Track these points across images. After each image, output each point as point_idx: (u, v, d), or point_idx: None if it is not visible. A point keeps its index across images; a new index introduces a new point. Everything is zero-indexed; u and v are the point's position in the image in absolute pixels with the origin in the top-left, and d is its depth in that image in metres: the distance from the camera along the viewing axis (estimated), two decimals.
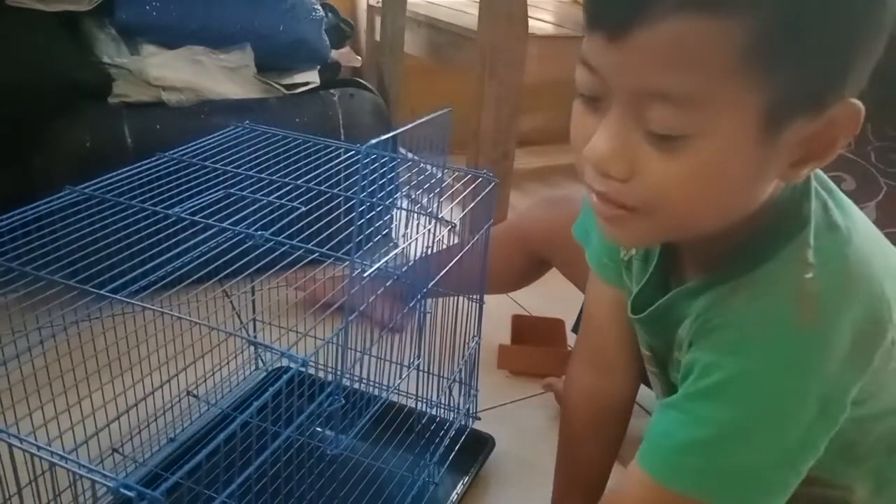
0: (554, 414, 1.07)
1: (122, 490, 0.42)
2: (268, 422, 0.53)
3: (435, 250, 0.79)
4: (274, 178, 0.85)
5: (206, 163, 0.86)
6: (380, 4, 1.83)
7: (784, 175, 0.49)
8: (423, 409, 0.88)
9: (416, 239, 0.75)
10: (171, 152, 0.89)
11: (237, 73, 1.40)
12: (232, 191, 0.81)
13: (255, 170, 0.87)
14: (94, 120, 1.26)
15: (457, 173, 0.87)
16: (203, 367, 0.99)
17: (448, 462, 0.91)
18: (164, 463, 0.89)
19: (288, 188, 0.82)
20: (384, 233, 0.84)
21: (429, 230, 0.76)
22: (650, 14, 0.43)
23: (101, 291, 0.62)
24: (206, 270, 0.76)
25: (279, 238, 0.72)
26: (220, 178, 0.84)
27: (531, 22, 1.45)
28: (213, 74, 1.38)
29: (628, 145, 0.47)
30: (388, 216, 0.90)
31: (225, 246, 0.75)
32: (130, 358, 0.89)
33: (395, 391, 0.84)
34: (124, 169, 0.83)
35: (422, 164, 0.82)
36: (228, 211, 0.77)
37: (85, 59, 1.31)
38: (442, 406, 0.93)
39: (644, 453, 0.55)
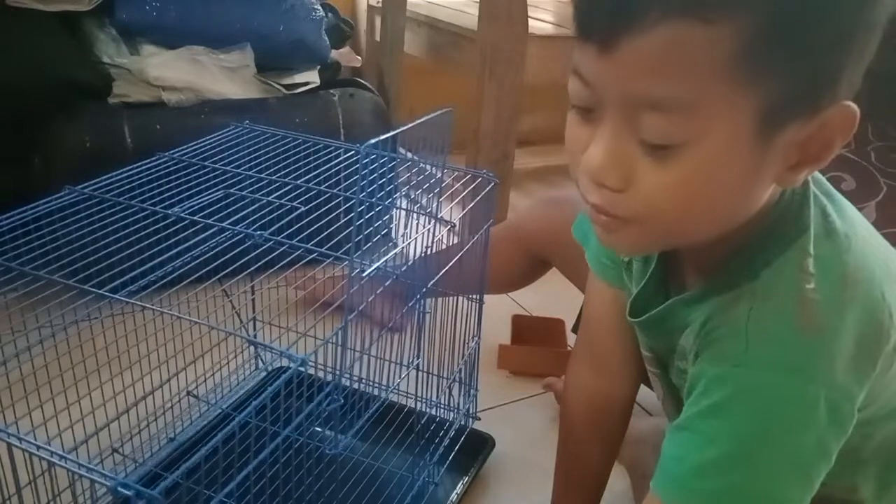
0: (554, 414, 1.07)
1: (120, 489, 0.42)
2: (267, 422, 0.53)
3: (435, 250, 0.79)
4: (273, 178, 0.85)
5: (206, 163, 0.86)
6: (380, 4, 1.83)
7: (781, 179, 0.49)
8: (423, 409, 0.88)
9: (416, 239, 0.75)
10: (171, 152, 0.89)
11: (237, 73, 1.40)
12: (231, 191, 0.81)
13: (254, 170, 0.87)
14: (94, 120, 1.26)
15: (457, 173, 0.87)
16: (203, 366, 0.99)
17: (448, 462, 0.91)
18: (164, 463, 0.89)
19: (287, 188, 0.82)
20: (384, 233, 0.84)
21: (428, 230, 0.76)
22: (639, 23, 0.43)
23: (101, 291, 0.62)
24: (205, 270, 0.76)
25: (278, 238, 0.72)
26: (220, 178, 0.84)
27: (531, 22, 1.45)
28: (213, 74, 1.38)
29: (623, 156, 0.47)
30: (388, 216, 0.90)
31: (224, 245, 0.75)
32: (130, 357, 0.89)
33: (395, 391, 0.84)
34: (124, 169, 0.83)
35: (421, 165, 0.82)
36: (228, 211, 0.77)
37: (85, 59, 1.31)
38: (442, 406, 0.93)
39: (658, 480, 0.54)
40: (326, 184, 0.85)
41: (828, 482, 0.54)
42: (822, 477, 0.52)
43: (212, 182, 0.83)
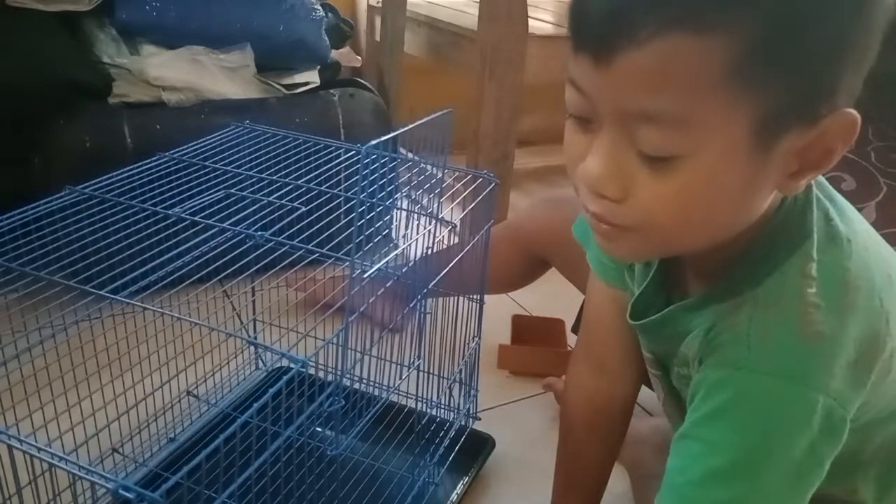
0: (554, 414, 1.07)
1: (121, 491, 0.42)
2: (268, 422, 0.53)
3: (435, 251, 0.79)
4: (274, 178, 0.85)
5: (207, 163, 0.86)
6: (380, 4, 1.83)
7: (782, 186, 0.49)
8: (424, 410, 0.88)
9: (417, 239, 0.75)
10: (171, 152, 0.89)
11: (237, 73, 1.40)
12: (232, 191, 0.81)
13: (255, 170, 0.87)
14: (93, 120, 1.26)
15: (457, 173, 0.87)
16: (203, 367, 0.99)
17: (448, 462, 0.91)
18: (165, 463, 0.89)
19: (288, 188, 0.82)
20: (384, 233, 0.84)
21: (429, 230, 0.76)
22: (634, 37, 0.43)
23: (102, 292, 0.62)
24: (206, 271, 0.76)
25: (279, 238, 0.72)
26: (221, 179, 0.84)
27: (531, 22, 1.45)
28: (213, 74, 1.38)
29: (622, 166, 0.47)
30: (389, 216, 0.90)
31: (225, 246, 0.75)
32: (130, 358, 0.89)
33: (396, 392, 0.84)
34: (124, 169, 0.83)
35: (422, 165, 0.82)
36: (229, 211, 0.77)
37: (85, 59, 1.31)
38: (442, 406, 0.93)
39: (664, 492, 0.54)
40: (327, 184, 0.85)
41: (828, 485, 0.54)
42: (815, 487, 0.52)
43: (212, 182, 0.83)
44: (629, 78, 0.44)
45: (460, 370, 0.93)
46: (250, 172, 0.85)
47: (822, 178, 0.56)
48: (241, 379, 1.06)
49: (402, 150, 0.87)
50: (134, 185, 0.81)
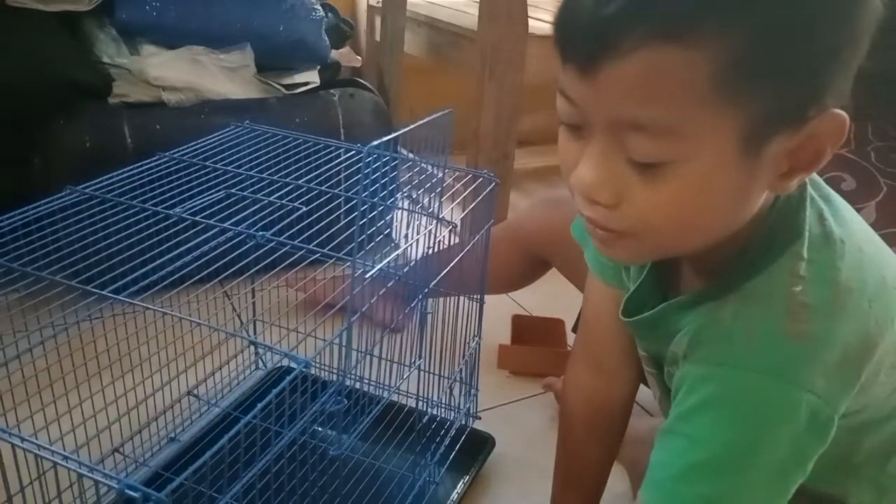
0: (554, 414, 1.07)
1: (126, 490, 0.42)
2: (271, 422, 0.53)
3: (436, 250, 0.79)
4: (275, 178, 0.85)
5: (207, 163, 0.86)
6: (380, 4, 1.83)
7: (774, 187, 0.49)
8: (424, 409, 0.88)
9: (418, 240, 0.75)
10: (172, 152, 0.89)
11: (237, 73, 1.40)
12: (233, 191, 0.81)
13: (255, 170, 0.87)
14: (93, 120, 1.26)
15: (457, 173, 0.87)
16: (204, 367, 0.99)
17: (448, 462, 0.91)
18: (166, 463, 0.89)
19: (289, 188, 0.82)
20: (385, 233, 0.84)
21: (430, 230, 0.76)
22: (619, 47, 0.43)
23: (104, 292, 0.62)
24: (207, 271, 0.76)
25: (281, 238, 0.72)
26: (221, 179, 0.84)
27: (531, 22, 1.45)
28: (213, 74, 1.38)
29: (613, 173, 0.47)
30: (390, 216, 0.90)
31: (226, 246, 0.75)
32: (132, 359, 0.89)
33: (397, 391, 0.84)
34: (125, 169, 0.83)
35: (423, 165, 0.82)
36: (230, 211, 0.77)
37: (85, 59, 1.31)
38: (442, 406, 0.93)
39: (647, 487, 0.55)
40: (327, 184, 0.85)
41: (821, 486, 0.54)
42: (796, 486, 0.52)
43: (213, 182, 0.83)
44: (615, 88, 0.44)
45: (460, 370, 0.93)
46: (251, 172, 0.85)
47: (819, 179, 0.56)
48: (241, 379, 1.06)
49: (402, 150, 0.87)
50: (134, 185, 0.81)
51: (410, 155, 0.83)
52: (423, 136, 0.71)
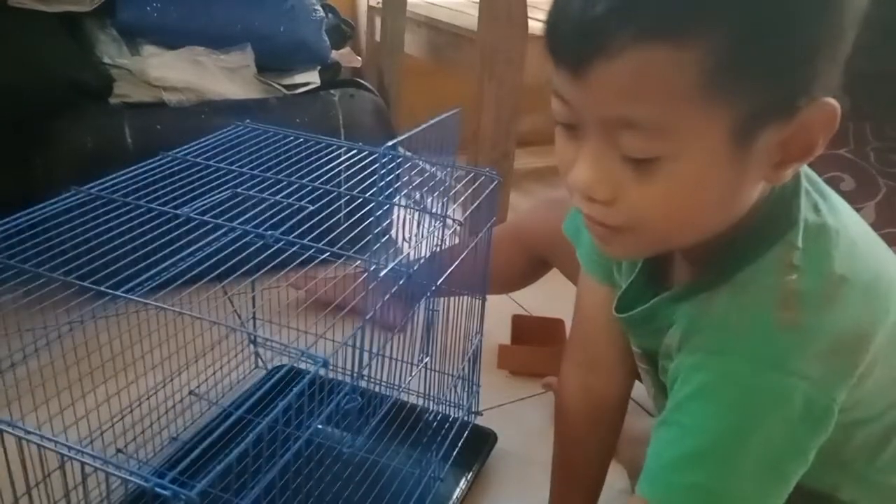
0: (554, 412, 1.08)
1: (157, 489, 0.42)
2: (285, 421, 0.53)
3: (442, 249, 0.79)
4: (280, 177, 0.85)
5: (211, 162, 0.87)
6: (380, 5, 1.84)
7: (768, 177, 0.50)
8: (427, 406, 0.88)
9: (426, 238, 0.75)
10: (175, 151, 0.89)
11: (237, 73, 1.40)
12: (239, 190, 0.81)
13: (259, 169, 0.87)
14: (94, 120, 1.26)
15: (459, 173, 0.87)
16: (206, 367, 1.00)
17: (452, 458, 0.91)
18: (169, 463, 0.89)
19: (295, 187, 0.82)
20: (392, 232, 0.84)
21: (437, 229, 0.77)
22: (608, 48, 0.44)
23: (117, 292, 0.62)
24: (218, 271, 0.76)
25: (290, 238, 0.72)
26: (226, 178, 0.84)
27: (531, 22, 1.45)
28: (214, 75, 1.38)
29: (609, 170, 0.48)
30: (397, 216, 0.90)
31: (237, 246, 0.75)
32: (134, 358, 0.90)
33: (405, 390, 0.85)
34: (129, 169, 0.83)
35: (429, 164, 0.82)
36: (237, 211, 0.77)
37: (86, 59, 1.31)
38: (445, 403, 0.93)
39: (643, 479, 0.55)
40: (331, 183, 0.85)
41: (809, 481, 0.54)
42: (797, 476, 0.52)
43: (218, 182, 0.83)
44: (605, 88, 0.45)
45: (463, 367, 0.93)
46: (256, 172, 0.86)
47: (814, 175, 0.57)
48: (240, 377, 1.07)
49: (403, 150, 0.88)
50: (139, 185, 0.81)
51: (415, 155, 0.84)
52: (431, 137, 0.72)
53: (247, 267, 0.79)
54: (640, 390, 0.78)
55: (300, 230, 0.74)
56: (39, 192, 0.78)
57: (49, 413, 0.77)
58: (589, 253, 0.71)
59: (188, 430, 0.97)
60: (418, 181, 0.85)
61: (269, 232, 0.72)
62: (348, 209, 0.82)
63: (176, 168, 0.85)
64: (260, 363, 1.10)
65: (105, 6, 1.32)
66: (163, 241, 0.74)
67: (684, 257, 0.59)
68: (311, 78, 1.49)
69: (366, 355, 0.63)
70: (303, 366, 0.69)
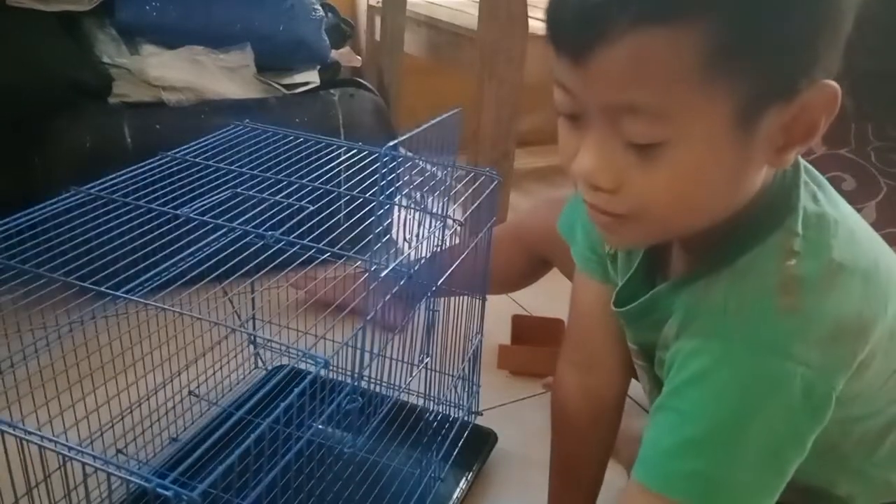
0: None
1: (159, 489, 0.42)
2: (282, 422, 0.53)
3: (443, 249, 0.79)
4: (280, 177, 0.85)
5: (210, 162, 0.86)
6: (380, 4, 1.83)
7: (772, 161, 0.50)
8: (428, 406, 0.88)
9: (426, 239, 0.75)
10: (174, 151, 0.88)
11: (237, 73, 1.40)
12: (239, 190, 0.81)
13: (259, 169, 0.87)
14: (94, 120, 1.26)
15: (459, 172, 0.87)
16: (205, 367, 1.00)
17: (452, 458, 0.91)
18: (169, 464, 0.89)
19: (294, 187, 0.82)
20: (392, 232, 0.84)
21: (438, 229, 0.77)
22: (607, 34, 0.44)
23: (117, 293, 0.62)
24: (217, 273, 0.76)
25: (290, 238, 0.72)
26: (226, 178, 0.84)
27: (531, 22, 1.45)
28: (213, 74, 1.38)
29: (613, 158, 0.48)
30: (398, 216, 0.90)
31: (236, 246, 0.75)
32: (134, 358, 0.89)
33: (405, 390, 0.85)
34: (129, 169, 0.83)
35: (429, 164, 0.82)
36: (237, 211, 0.77)
37: (85, 59, 1.31)
38: (448, 403, 0.93)
39: (638, 464, 0.54)
40: (331, 183, 0.85)
41: (807, 477, 0.54)
42: (794, 466, 0.51)
43: (218, 182, 0.83)
44: (606, 74, 0.45)
45: (464, 367, 0.93)
46: (256, 172, 0.85)
47: (813, 169, 0.57)
48: (240, 377, 1.06)
49: (403, 150, 0.87)
50: (139, 185, 0.81)
51: (414, 155, 0.84)
52: (432, 137, 0.72)
53: (247, 268, 0.79)
54: (638, 389, 0.78)
55: (300, 230, 0.74)
56: (39, 192, 0.78)
57: (49, 414, 0.77)
58: (583, 251, 0.71)
59: (188, 430, 0.96)
60: (418, 181, 0.85)
61: (269, 232, 0.71)
62: (348, 209, 0.82)
63: (175, 168, 0.85)
64: (260, 364, 1.10)
65: (104, 5, 1.32)
66: (162, 241, 0.74)
67: (682, 247, 0.59)
68: (311, 77, 1.48)
69: (366, 356, 0.63)
70: (303, 366, 0.68)
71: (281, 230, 0.73)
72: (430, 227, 0.75)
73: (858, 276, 0.52)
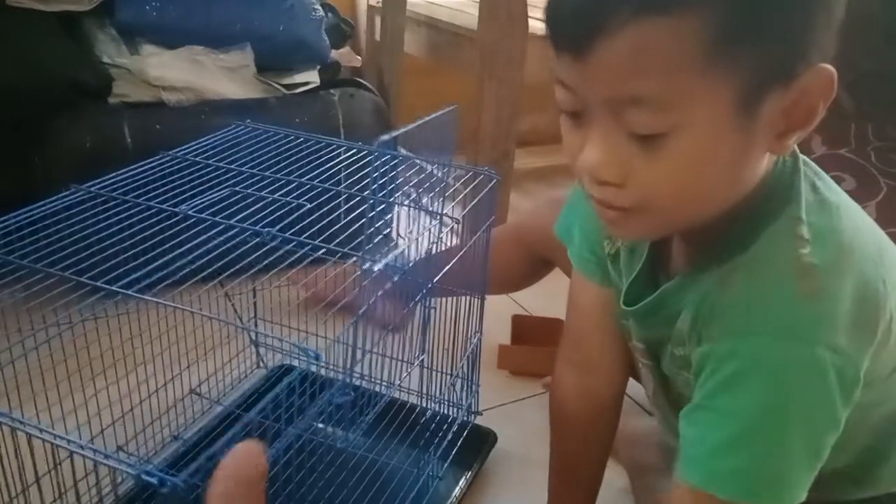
0: None
1: (143, 476, 0.43)
2: (278, 416, 0.53)
3: (439, 248, 0.79)
4: (279, 176, 0.85)
5: (210, 161, 0.87)
6: (380, 4, 1.84)
7: (773, 148, 0.50)
8: (426, 405, 0.88)
9: (421, 236, 0.75)
10: (175, 151, 0.89)
11: (237, 73, 1.40)
12: (238, 188, 0.81)
13: (258, 168, 0.87)
14: (94, 120, 1.26)
15: (458, 172, 0.87)
16: (207, 365, 1.00)
17: (451, 457, 0.91)
18: (170, 461, 0.89)
19: (293, 186, 0.82)
20: (388, 230, 0.84)
21: (433, 227, 0.77)
22: (607, 27, 0.44)
23: (114, 288, 0.62)
24: (214, 267, 0.76)
25: (287, 235, 0.72)
26: (225, 177, 0.84)
27: (531, 22, 1.45)
28: (213, 74, 1.38)
29: (617, 152, 0.48)
30: (393, 214, 0.90)
31: (235, 242, 0.75)
32: (135, 357, 0.90)
33: (401, 388, 0.85)
34: (129, 167, 0.83)
35: (426, 163, 0.82)
36: (235, 209, 0.77)
37: (85, 59, 1.31)
38: (445, 402, 0.93)
39: (682, 465, 0.55)
40: (330, 182, 0.85)
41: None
42: (831, 445, 0.52)
43: (217, 180, 0.83)
44: (608, 67, 0.46)
45: (462, 366, 0.93)
46: (255, 171, 0.86)
47: (810, 161, 0.57)
48: (243, 376, 1.07)
49: (401, 149, 0.88)
50: (139, 183, 0.81)
51: (412, 153, 0.84)
52: (429, 134, 0.72)
53: (243, 263, 0.79)
54: (637, 389, 0.78)
55: (298, 227, 0.74)
56: (39, 192, 0.78)
57: (51, 416, 0.77)
58: (581, 252, 0.71)
59: (189, 428, 0.96)
60: (416, 179, 0.85)
61: (266, 229, 0.72)
62: (347, 207, 0.82)
63: (175, 167, 0.85)
64: (261, 364, 1.10)
65: (104, 5, 1.32)
66: (161, 238, 0.74)
67: (684, 240, 0.60)
68: (311, 77, 1.49)
69: (358, 351, 0.63)
70: (296, 362, 0.68)
71: (278, 227, 0.73)
72: (427, 224, 0.76)
73: (870, 258, 0.53)
